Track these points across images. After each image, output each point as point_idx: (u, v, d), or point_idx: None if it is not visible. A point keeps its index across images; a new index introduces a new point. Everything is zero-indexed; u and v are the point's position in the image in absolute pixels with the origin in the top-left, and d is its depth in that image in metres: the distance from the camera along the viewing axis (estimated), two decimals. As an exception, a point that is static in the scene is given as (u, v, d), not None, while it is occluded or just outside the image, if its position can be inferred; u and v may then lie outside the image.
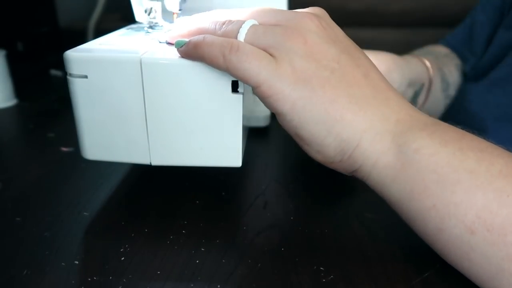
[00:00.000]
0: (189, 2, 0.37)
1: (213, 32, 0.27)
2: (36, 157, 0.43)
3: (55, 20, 0.91)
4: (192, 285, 0.25)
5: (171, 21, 0.36)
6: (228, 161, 0.30)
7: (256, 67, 0.24)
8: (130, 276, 0.26)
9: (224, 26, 0.27)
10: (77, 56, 0.28)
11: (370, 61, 0.27)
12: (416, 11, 1.04)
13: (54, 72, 0.76)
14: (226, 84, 0.27)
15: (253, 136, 0.48)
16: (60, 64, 0.28)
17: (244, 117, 0.29)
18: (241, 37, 0.26)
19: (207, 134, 0.29)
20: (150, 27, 0.36)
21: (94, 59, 0.28)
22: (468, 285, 0.25)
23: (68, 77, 0.28)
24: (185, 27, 0.29)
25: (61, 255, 0.28)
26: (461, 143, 0.24)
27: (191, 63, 0.27)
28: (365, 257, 0.28)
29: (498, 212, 0.21)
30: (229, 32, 0.26)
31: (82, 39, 0.42)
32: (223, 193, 0.36)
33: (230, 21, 0.27)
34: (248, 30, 0.26)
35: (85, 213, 0.32)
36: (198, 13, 0.30)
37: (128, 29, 0.38)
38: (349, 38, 0.28)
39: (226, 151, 0.29)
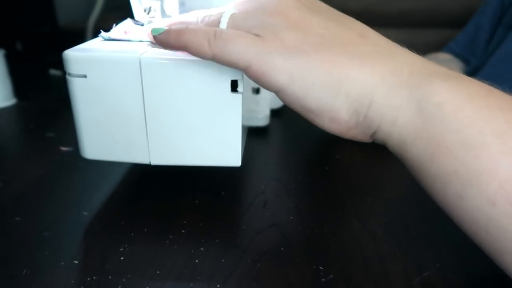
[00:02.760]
0: (188, 4, 0.37)
1: (195, 25, 0.27)
2: (36, 157, 0.43)
3: (54, 19, 0.91)
4: (191, 284, 0.25)
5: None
6: (228, 161, 0.30)
7: (243, 47, 0.23)
8: (129, 275, 0.26)
9: (206, 17, 0.27)
10: (76, 56, 0.28)
11: (364, 25, 0.26)
12: (416, 11, 1.04)
13: (54, 71, 0.76)
14: (225, 83, 0.27)
15: (252, 135, 0.48)
16: (60, 63, 0.28)
17: (244, 117, 0.29)
18: (223, 25, 0.25)
19: (207, 134, 0.29)
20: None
21: (93, 59, 0.28)
22: (467, 285, 0.25)
23: (67, 76, 0.28)
24: (166, 21, 0.29)
25: (61, 254, 0.28)
26: (488, 100, 0.21)
27: (190, 62, 0.27)
28: (365, 257, 0.28)
29: None
30: (211, 23, 0.26)
31: (82, 39, 0.41)
32: (223, 193, 0.36)
33: (211, 14, 0.27)
34: (229, 18, 0.25)
35: (84, 213, 0.32)
36: None
37: (127, 28, 0.38)
38: (335, 9, 0.26)
39: (226, 151, 0.29)
